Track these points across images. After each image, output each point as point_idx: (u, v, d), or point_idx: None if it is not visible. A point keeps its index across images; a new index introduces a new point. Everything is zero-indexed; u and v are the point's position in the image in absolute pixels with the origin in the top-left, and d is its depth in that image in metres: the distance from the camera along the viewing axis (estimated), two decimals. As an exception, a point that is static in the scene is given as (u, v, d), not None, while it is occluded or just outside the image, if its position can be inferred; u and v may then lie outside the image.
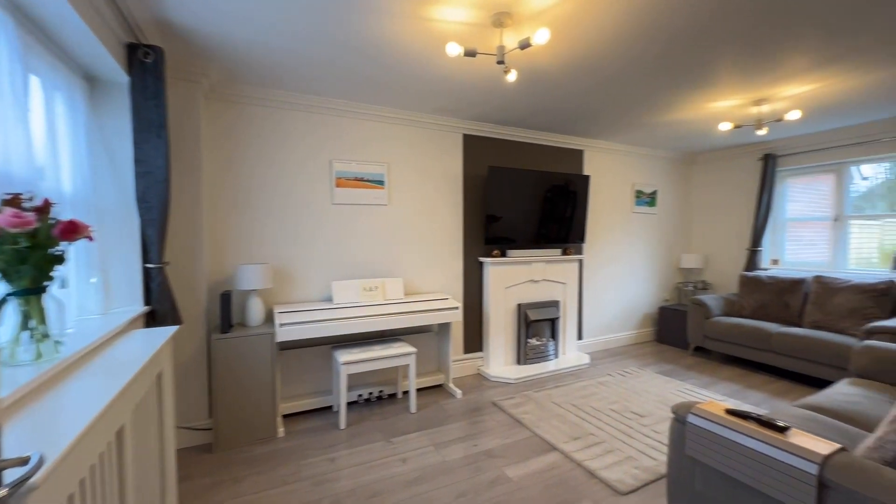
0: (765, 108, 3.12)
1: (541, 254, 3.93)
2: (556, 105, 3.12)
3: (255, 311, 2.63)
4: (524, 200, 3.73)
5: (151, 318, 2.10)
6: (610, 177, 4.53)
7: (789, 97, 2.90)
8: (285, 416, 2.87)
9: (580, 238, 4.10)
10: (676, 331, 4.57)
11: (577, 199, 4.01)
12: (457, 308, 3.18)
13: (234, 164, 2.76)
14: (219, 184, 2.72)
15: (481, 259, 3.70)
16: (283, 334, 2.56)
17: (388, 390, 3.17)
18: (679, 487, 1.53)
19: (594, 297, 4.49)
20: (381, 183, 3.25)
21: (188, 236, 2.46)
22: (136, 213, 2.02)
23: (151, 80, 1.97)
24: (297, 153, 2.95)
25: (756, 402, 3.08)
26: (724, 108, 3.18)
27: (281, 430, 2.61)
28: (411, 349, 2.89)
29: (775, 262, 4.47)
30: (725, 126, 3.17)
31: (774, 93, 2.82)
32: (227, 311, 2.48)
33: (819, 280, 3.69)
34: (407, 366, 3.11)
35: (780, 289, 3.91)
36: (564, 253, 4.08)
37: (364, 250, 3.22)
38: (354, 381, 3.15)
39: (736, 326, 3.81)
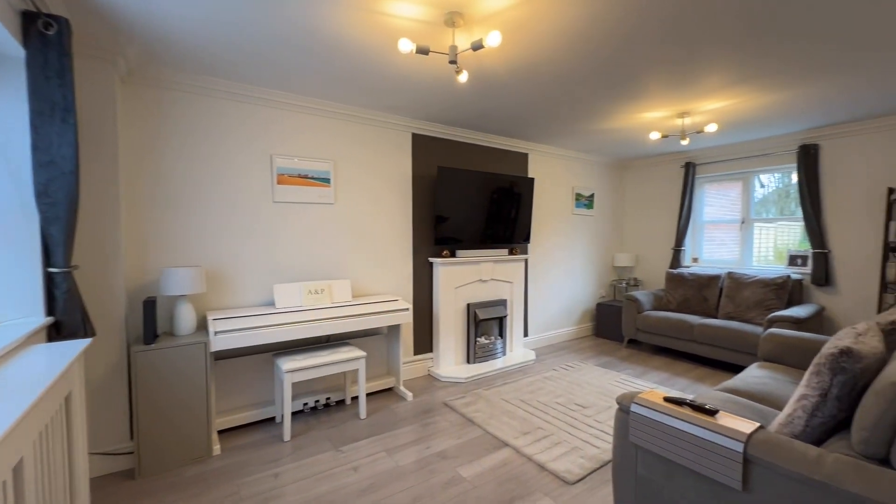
0: (687, 121, 3.44)
1: (489, 254, 4.00)
2: (504, 108, 3.19)
3: (186, 318, 2.39)
4: (472, 201, 3.77)
5: (56, 331, 1.82)
6: (552, 180, 4.73)
7: (708, 111, 3.22)
8: (222, 432, 2.64)
9: (525, 238, 4.24)
10: (612, 325, 4.89)
11: (523, 201, 4.14)
12: (407, 309, 3.13)
13: (158, 155, 2.49)
14: (140, 177, 2.43)
15: (431, 259, 3.69)
16: (219, 343, 2.35)
17: (336, 397, 3.04)
18: (624, 473, 1.62)
19: (539, 295, 4.67)
20: (326, 181, 3.11)
21: (102, 236, 2.17)
22: (36, 208, 1.74)
23: (54, 55, 1.71)
24: (232, 146, 2.73)
25: (682, 387, 3.38)
26: (653, 119, 3.45)
27: (217, 448, 2.39)
28: (360, 353, 2.80)
29: (695, 260, 4.95)
30: (655, 135, 3.45)
31: (695, 107, 3.11)
32: (150, 320, 2.22)
33: (731, 276, 4.15)
34: (356, 371, 3.01)
35: (699, 284, 4.34)
36: (511, 253, 4.20)
37: (309, 251, 3.06)
38: (300, 389, 2.98)
39: (664, 320, 4.16)
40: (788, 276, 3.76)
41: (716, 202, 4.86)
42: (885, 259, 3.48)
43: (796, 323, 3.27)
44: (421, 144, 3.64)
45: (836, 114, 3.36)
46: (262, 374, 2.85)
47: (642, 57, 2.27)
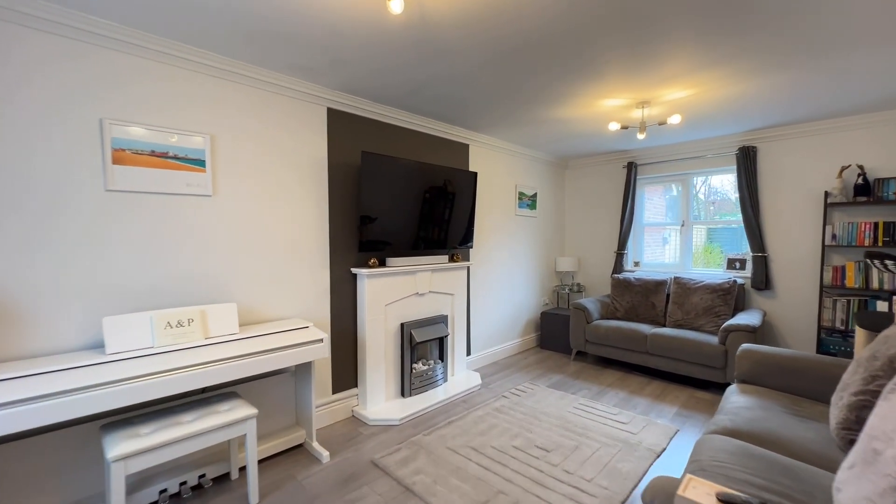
0: (648, 112, 3.10)
1: (426, 261, 3.33)
2: (444, 81, 2.54)
3: None
4: (406, 197, 3.07)
5: None
6: (495, 176, 4.21)
7: (669, 102, 2.90)
8: (-1, 566, 1.61)
9: (468, 242, 3.64)
10: (558, 336, 4.51)
11: (465, 198, 3.54)
12: (321, 341, 2.33)
13: None
14: None
15: (355, 270, 2.91)
16: (-26, 430, 1.35)
17: (215, 471, 2.13)
18: None
19: (482, 306, 4.11)
20: (199, 163, 2.19)
21: None
22: None
23: None
24: (31, 103, 1.71)
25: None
26: (612, 109, 3.06)
27: None
28: (249, 411, 1.94)
29: (637, 264, 4.77)
30: (614, 126, 3.06)
31: (657, 95, 2.75)
32: None
33: (677, 281, 3.96)
34: (243, 435, 2.12)
35: (646, 290, 4.11)
36: (452, 259, 3.57)
37: (169, 264, 2.12)
38: (151, 471, 2.02)
39: (615, 330, 3.84)
40: (734, 282, 3.63)
41: (657, 204, 4.73)
42: (823, 262, 3.48)
43: (752, 332, 3.09)
44: (340, 123, 2.85)
45: (774, 115, 3.26)
46: (83, 454, 1.85)
47: (602, 40, 1.76)
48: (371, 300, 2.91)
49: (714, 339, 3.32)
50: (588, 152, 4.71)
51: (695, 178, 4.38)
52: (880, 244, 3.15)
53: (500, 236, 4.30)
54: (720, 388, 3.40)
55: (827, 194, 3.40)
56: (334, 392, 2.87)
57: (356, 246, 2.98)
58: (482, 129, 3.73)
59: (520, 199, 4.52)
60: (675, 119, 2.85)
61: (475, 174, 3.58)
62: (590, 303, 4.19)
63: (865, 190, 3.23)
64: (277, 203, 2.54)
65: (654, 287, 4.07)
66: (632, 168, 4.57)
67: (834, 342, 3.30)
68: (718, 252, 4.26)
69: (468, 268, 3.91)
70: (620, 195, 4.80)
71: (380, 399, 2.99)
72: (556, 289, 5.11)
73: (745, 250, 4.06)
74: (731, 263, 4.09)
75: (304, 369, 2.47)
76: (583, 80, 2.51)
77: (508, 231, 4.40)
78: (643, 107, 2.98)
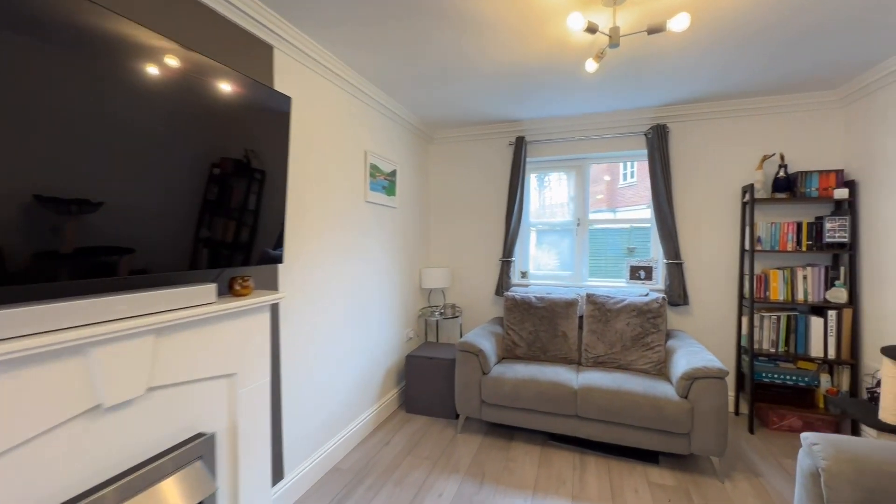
0: (623, 19, 1.76)
1: (143, 304, 1.20)
2: None
3: None
4: (100, 123, 0.92)
5: None
6: (329, 123, 2.31)
7: None
8: None
9: (274, 249, 1.65)
10: (432, 389, 2.91)
11: (266, 155, 1.55)
12: None
13: None
14: None
15: None
16: None
17: None
18: None
19: (307, 376, 2.15)
20: None
21: None
22: None
23: None
24: None
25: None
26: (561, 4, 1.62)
27: None
28: None
29: (524, 275, 3.61)
30: (577, 22, 1.58)
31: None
32: None
33: (592, 300, 2.89)
34: None
35: (553, 314, 2.91)
36: (235, 291, 1.52)
37: None
38: None
39: (528, 384, 2.46)
40: (663, 299, 2.73)
41: (547, 196, 3.67)
42: (742, 270, 2.89)
43: (722, 378, 2.13)
44: None
45: (685, 88, 2.47)
46: None
47: None
48: None
49: (668, 390, 2.28)
50: (462, 118, 3.28)
51: (590, 166, 3.46)
52: (804, 249, 2.67)
53: (342, 236, 2.43)
54: (681, 462, 2.36)
55: (746, 189, 2.82)
56: None
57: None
58: (305, 20, 1.80)
59: (373, 174, 2.73)
60: (679, 22, 1.56)
61: (288, 101, 1.63)
62: (483, 340, 2.74)
63: (786, 185, 2.73)
64: None
65: (563, 309, 2.90)
66: (521, 146, 3.35)
67: (766, 369, 2.70)
68: (613, 259, 3.43)
69: (273, 305, 1.90)
70: (505, 182, 3.55)
71: None
72: (422, 314, 3.52)
73: (650, 255, 3.31)
74: (635, 273, 3.28)
75: None
76: None
77: (355, 227, 2.57)
78: (616, 2, 1.62)
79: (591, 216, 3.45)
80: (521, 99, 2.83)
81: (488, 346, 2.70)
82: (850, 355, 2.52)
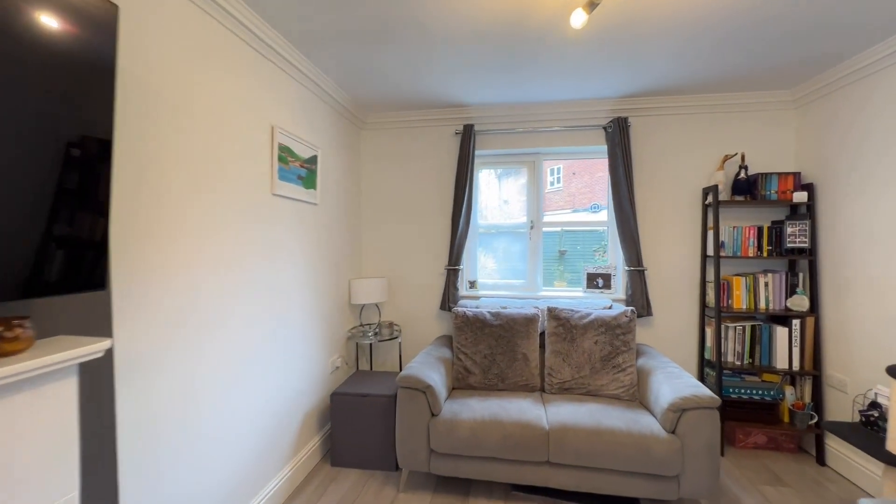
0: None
1: None
2: None
3: None
4: None
5: None
6: (215, 79, 1.61)
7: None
8: None
9: (86, 270, 0.95)
10: (366, 436, 2.30)
11: (71, 112, 0.86)
12: None
13: None
14: None
15: None
16: None
17: None
18: None
19: (169, 455, 1.42)
20: None
21: None
22: None
23: None
24: None
25: None
26: None
27: None
28: None
29: (472, 284, 3.14)
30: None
31: None
32: None
33: (555, 315, 2.49)
34: None
35: (510, 332, 2.46)
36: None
37: None
38: None
39: (493, 426, 1.96)
40: (632, 312, 2.42)
41: (497, 196, 3.25)
42: (704, 277, 2.70)
43: (715, 409, 1.82)
44: None
45: (646, 77, 2.23)
46: None
47: None
48: None
49: (651, 424, 1.93)
50: (403, 98, 2.72)
51: (543, 162, 3.10)
52: (765, 255, 2.54)
53: (237, 242, 1.73)
54: None
55: (707, 191, 2.64)
56: None
57: None
58: None
59: (283, 159, 2.05)
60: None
61: (111, 18, 0.95)
62: (430, 371, 2.19)
63: (747, 187, 2.58)
64: None
65: (522, 327, 2.47)
66: (469, 135, 2.89)
67: (732, 384, 2.52)
68: (570, 266, 3.12)
69: (96, 361, 1.18)
70: (451, 178, 3.05)
71: None
72: (352, 335, 2.88)
73: (607, 262, 3.03)
74: (592, 281, 2.98)
75: None
76: None
77: (257, 229, 1.87)
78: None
79: (546, 217, 3.10)
80: (473, 76, 2.36)
81: (437, 379, 2.16)
82: (812, 366, 2.41)
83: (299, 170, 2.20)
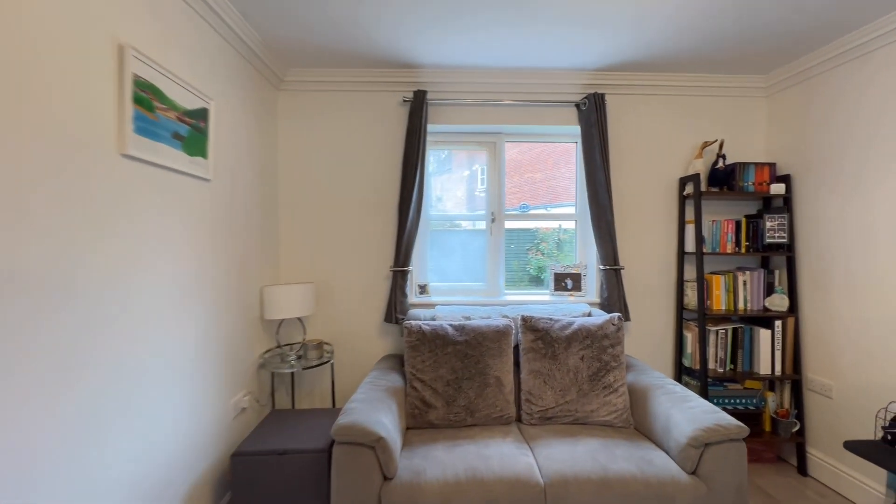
0: None
1: None
2: None
3: None
4: None
5: None
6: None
7: None
8: None
9: None
10: (288, 513, 1.62)
11: None
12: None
13: None
14: None
15: None
16: None
17: None
18: None
19: None
20: None
21: None
22: None
23: None
24: None
25: None
26: None
27: None
28: None
29: (423, 288, 2.57)
30: None
31: None
32: None
33: (531, 326, 2.03)
34: None
35: (479, 350, 1.95)
36: None
37: None
38: None
39: (471, 487, 1.41)
40: (619, 318, 2.05)
41: (452, 183, 2.73)
42: (682, 276, 2.45)
43: (741, 441, 1.48)
44: None
45: (622, 51, 1.92)
46: None
47: None
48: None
49: (666, 463, 1.54)
50: (335, 47, 2.07)
51: (506, 144, 2.65)
52: (743, 251, 2.35)
53: (54, 237, 0.96)
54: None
55: (684, 181, 2.39)
56: None
57: None
58: None
59: (144, 102, 1.30)
60: None
61: None
62: (378, 413, 1.58)
63: (725, 177, 2.37)
64: None
65: (493, 342, 1.97)
66: (421, 104, 2.32)
67: (716, 393, 2.28)
68: (533, 265, 2.72)
69: None
70: (398, 157, 2.46)
71: None
72: (266, 361, 2.14)
73: (576, 261, 2.67)
74: (560, 282, 2.60)
75: None
76: None
77: (94, 214, 1.11)
78: None
79: (508, 209, 2.65)
80: (429, 19, 1.80)
81: (389, 423, 1.56)
82: (793, 369, 2.25)
83: (176, 124, 1.45)
